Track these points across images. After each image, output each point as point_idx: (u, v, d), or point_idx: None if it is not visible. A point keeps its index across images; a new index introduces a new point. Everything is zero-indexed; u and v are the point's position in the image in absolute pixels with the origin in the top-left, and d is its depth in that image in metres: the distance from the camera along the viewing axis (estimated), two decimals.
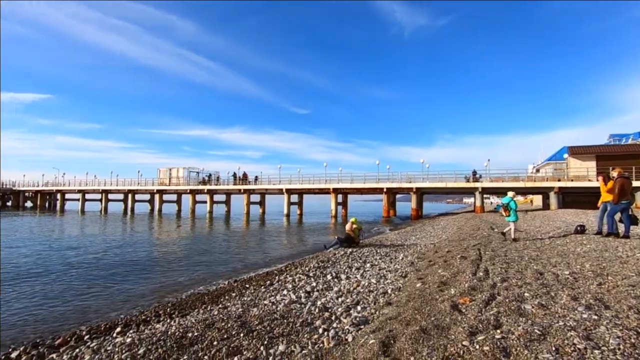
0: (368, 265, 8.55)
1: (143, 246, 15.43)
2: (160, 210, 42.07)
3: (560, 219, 16.59)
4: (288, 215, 34.97)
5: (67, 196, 50.35)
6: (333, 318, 4.52)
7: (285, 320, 4.49)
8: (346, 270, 8.03)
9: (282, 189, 36.49)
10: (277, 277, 7.92)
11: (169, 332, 4.18)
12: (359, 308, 4.92)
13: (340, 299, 5.51)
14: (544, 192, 28.71)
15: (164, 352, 3.62)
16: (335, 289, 6.26)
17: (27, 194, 53.50)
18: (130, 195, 44.69)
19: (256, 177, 39.60)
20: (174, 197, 46.35)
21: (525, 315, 3.48)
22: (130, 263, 11.08)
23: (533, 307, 3.66)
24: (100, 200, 46.48)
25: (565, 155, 32.11)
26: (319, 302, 5.34)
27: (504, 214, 9.67)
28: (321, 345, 3.67)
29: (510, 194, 9.84)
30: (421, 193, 32.39)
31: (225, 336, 4.00)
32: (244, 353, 3.54)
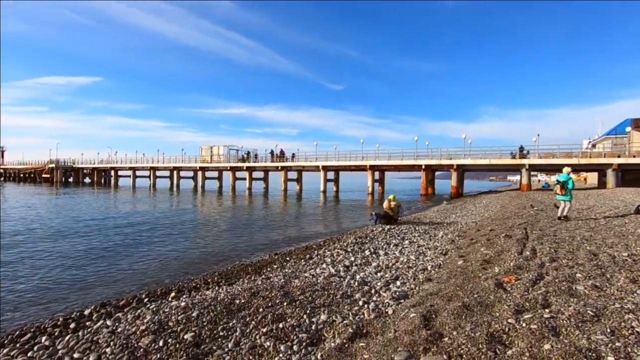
0: (406, 242, 8.51)
1: (189, 220, 16.39)
2: (203, 186, 44.15)
3: (619, 198, 15.33)
4: (324, 192, 35.31)
5: (119, 173, 54.14)
6: (372, 292, 4.60)
7: (325, 292, 4.64)
8: (384, 247, 8.06)
9: (318, 166, 36.72)
10: (315, 252, 8.12)
11: (218, 299, 4.49)
12: (398, 283, 4.96)
13: (379, 274, 5.57)
14: (601, 169, 26.52)
15: (214, 316, 3.91)
16: (374, 264, 6.33)
17: (85, 171, 58.15)
18: (175, 172, 47.17)
19: (293, 154, 40.08)
20: (215, 173, 48.25)
21: (576, 296, 3.33)
22: (178, 235, 11.85)
23: (586, 289, 3.49)
24: (149, 176, 49.54)
25: (628, 129, 29.21)
26: (357, 277, 5.44)
27: (558, 192, 9.03)
28: (362, 316, 3.77)
29: (566, 170, 9.15)
30: (462, 170, 31.20)
31: (270, 304, 4.22)
32: (288, 320, 3.73)
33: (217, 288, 5.49)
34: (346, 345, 3.05)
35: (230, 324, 3.70)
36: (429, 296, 3.93)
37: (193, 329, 3.58)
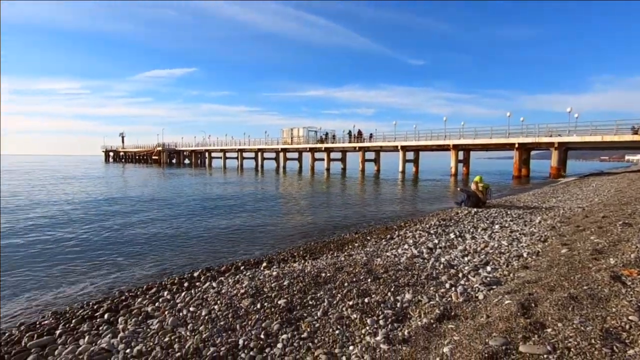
0: (496, 226, 7.90)
1: (272, 198, 17.53)
2: (284, 166, 46.52)
3: None
4: (403, 173, 34.34)
5: (212, 154, 59.93)
6: (460, 275, 4.43)
7: (409, 272, 4.61)
8: (471, 230, 7.61)
9: (397, 146, 35.72)
10: (396, 232, 8.05)
11: (306, 271, 4.79)
12: (488, 268, 4.68)
13: (466, 258, 5.32)
14: None
15: (303, 287, 4.19)
16: (460, 247, 6.04)
17: (184, 153, 65.67)
18: (259, 154, 50.48)
19: (371, 134, 39.57)
20: (295, 155, 50.32)
21: None
22: (265, 211, 12.78)
23: None
24: (237, 157, 53.89)
25: None
26: (442, 259, 5.27)
27: None
28: (449, 299, 3.68)
29: None
30: (565, 149, 27.36)
31: (354, 279, 4.36)
32: (373, 296, 3.82)
33: (303, 261, 5.84)
34: (434, 325, 3.03)
35: (318, 295, 3.93)
36: (526, 284, 3.64)
37: (285, 296, 3.90)
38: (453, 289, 3.96)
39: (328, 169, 40.80)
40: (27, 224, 10.24)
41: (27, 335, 3.58)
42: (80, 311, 4.19)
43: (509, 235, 6.86)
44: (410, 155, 37.63)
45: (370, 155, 41.75)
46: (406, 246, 6.40)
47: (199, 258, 6.93)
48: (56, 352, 3.14)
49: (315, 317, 3.42)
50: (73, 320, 3.87)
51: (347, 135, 40.67)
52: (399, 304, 3.60)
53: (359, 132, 40.09)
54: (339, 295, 3.89)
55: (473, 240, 6.58)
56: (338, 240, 7.91)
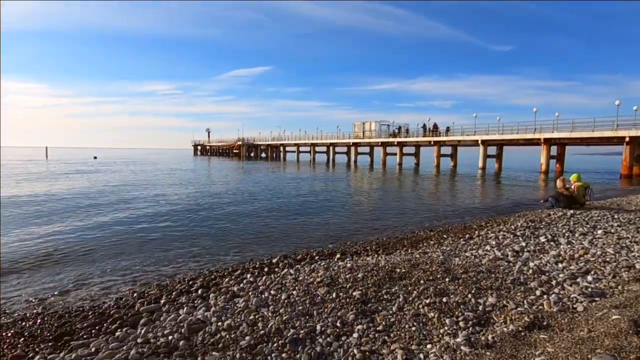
0: (599, 231, 6.92)
1: (344, 192, 17.70)
2: (355, 161, 46.50)
3: None
4: (483, 169, 31.85)
5: (287, 149, 62.53)
6: (553, 283, 4.01)
7: (492, 275, 4.31)
8: (566, 234, 6.79)
9: (477, 140, 33.20)
10: (476, 232, 7.55)
11: (380, 265, 4.78)
12: (589, 278, 4.14)
13: (560, 265, 4.78)
14: None
15: (377, 280, 4.20)
16: (552, 253, 5.44)
17: (261, 147, 69.62)
18: (331, 148, 51.19)
19: (448, 128, 37.39)
20: (367, 149, 49.96)
21: None
22: (336, 204, 12.98)
23: None
24: (309, 151, 55.41)
25: None
26: (531, 264, 4.82)
27: None
28: (540, 307, 3.36)
29: None
30: None
31: (430, 278, 4.23)
32: (451, 296, 3.66)
33: (376, 256, 5.82)
34: (522, 334, 2.80)
35: (393, 290, 3.90)
36: (639, 299, 3.15)
37: (360, 288, 3.95)
38: (545, 296, 3.60)
39: (400, 164, 39.69)
40: (136, 214, 11.93)
41: (138, 301, 4.21)
42: (178, 285, 4.77)
43: (616, 242, 5.96)
44: (492, 150, 34.69)
45: (447, 150, 39.49)
46: (488, 247, 5.98)
47: (275, 246, 7.35)
48: (161, 318, 3.63)
49: (391, 312, 3.41)
50: (173, 293, 4.43)
51: (421, 129, 39.02)
52: (480, 307, 3.40)
53: (435, 126, 38.16)
54: (415, 292, 3.81)
55: (569, 246, 5.87)
56: (412, 237, 7.70)
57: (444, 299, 3.59)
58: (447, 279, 4.15)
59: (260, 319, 3.37)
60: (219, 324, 3.30)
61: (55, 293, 4.78)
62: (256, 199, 14.57)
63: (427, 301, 3.56)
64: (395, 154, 41.32)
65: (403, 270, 4.51)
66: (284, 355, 2.75)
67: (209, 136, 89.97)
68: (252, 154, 70.62)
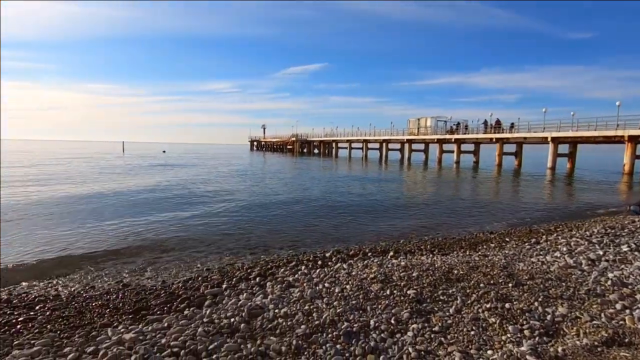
0: None
1: (398, 190, 17.34)
2: (409, 158, 45.20)
3: None
4: (553, 169, 29.11)
5: (339, 145, 62.68)
6: (638, 297, 3.58)
7: (562, 284, 3.98)
8: None
9: (546, 138, 30.38)
10: (543, 237, 6.98)
11: (435, 265, 4.64)
12: None
13: None
14: None
15: (433, 280, 4.08)
16: (637, 264, 4.85)
17: (314, 143, 70.55)
18: (384, 144, 50.29)
19: (512, 124, 34.71)
20: (421, 146, 48.30)
21: None
22: (389, 203, 12.77)
23: None
24: (362, 148, 54.97)
25: None
26: (610, 274, 4.34)
27: None
28: (621, 322, 3.04)
29: None
30: None
31: (491, 282, 4.02)
32: (515, 303, 3.45)
33: (431, 256, 5.66)
34: (598, 349, 2.56)
35: (450, 291, 3.78)
36: None
37: (414, 287, 3.88)
38: (627, 311, 3.24)
39: (458, 162, 37.76)
40: (200, 207, 12.83)
41: (203, 284, 4.55)
42: (237, 272, 5.06)
43: None
44: (563, 148, 31.56)
45: (510, 147, 36.72)
46: (558, 254, 5.50)
47: (328, 241, 7.46)
48: (224, 301, 3.90)
49: (447, 313, 3.31)
50: (233, 279, 4.72)
51: (482, 125, 36.70)
52: (549, 317, 3.16)
53: (497, 122, 35.65)
54: (474, 295, 3.65)
55: None
56: (470, 238, 7.34)
57: (507, 305, 3.39)
58: (510, 284, 3.91)
59: (314, 309, 3.47)
60: (276, 311, 3.45)
61: (134, 273, 5.35)
62: (308, 194, 14.87)
63: (488, 306, 3.39)
64: (453, 152, 39.38)
65: (461, 272, 4.33)
66: (338, 346, 2.81)
67: (264, 132, 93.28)
68: (305, 150, 71.90)
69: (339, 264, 5.16)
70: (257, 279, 4.65)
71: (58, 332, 3.25)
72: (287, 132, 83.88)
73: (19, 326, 3.39)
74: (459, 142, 39.04)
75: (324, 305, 3.55)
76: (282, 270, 5.00)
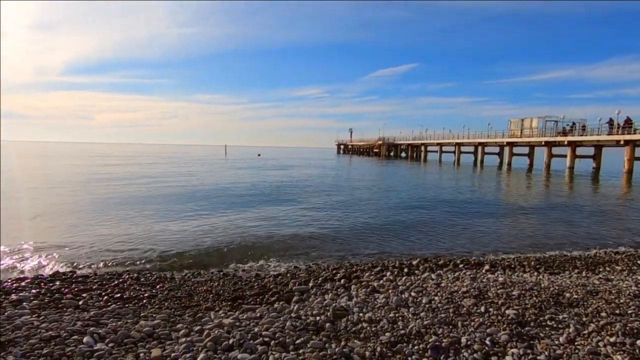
0: None
1: (495, 197, 15.78)
2: (509, 163, 40.74)
3: None
4: None
5: (428, 148, 59.83)
6: None
7: None
8: None
9: None
10: None
11: (542, 285, 4.10)
12: None
13: None
14: None
15: (539, 302, 3.61)
16: None
17: (401, 146, 68.65)
18: (480, 148, 46.27)
19: None
20: (525, 149, 43.09)
21: None
22: (486, 210, 11.68)
23: None
24: (454, 152, 51.49)
25: None
26: None
27: None
28: None
29: None
30: None
31: (617, 311, 3.38)
32: None
33: (536, 273, 5.01)
34: None
35: (560, 317, 3.29)
36: None
37: (515, 307, 3.48)
38: None
39: (571, 168, 32.67)
40: (289, 208, 13.58)
41: (291, 281, 4.80)
42: (323, 272, 5.21)
43: None
44: None
45: None
46: None
47: (415, 247, 7.19)
48: (310, 299, 4.05)
49: (556, 342, 2.88)
50: (319, 278, 4.87)
51: (607, 124, 31.06)
52: None
53: (627, 121, 29.79)
54: (593, 325, 3.11)
55: None
56: (587, 257, 6.29)
57: (638, 342, 2.81)
58: None
59: (400, 318, 3.37)
60: (360, 314, 3.45)
61: (231, 265, 5.93)
62: (397, 198, 14.51)
63: (612, 340, 2.86)
64: (565, 156, 34.19)
65: (575, 296, 3.74)
66: None
67: (351, 135, 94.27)
68: (391, 154, 70.43)
69: (427, 274, 4.92)
70: (342, 280, 4.72)
71: (172, 309, 3.77)
72: (373, 135, 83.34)
73: (144, 301, 4.04)
74: (573, 144, 33.79)
75: (410, 315, 3.42)
76: (366, 274, 4.98)
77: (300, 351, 2.79)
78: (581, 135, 33.79)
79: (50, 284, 4.51)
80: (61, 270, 5.42)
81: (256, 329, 3.15)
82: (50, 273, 5.19)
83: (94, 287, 4.48)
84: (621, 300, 3.63)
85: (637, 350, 2.72)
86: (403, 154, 67.72)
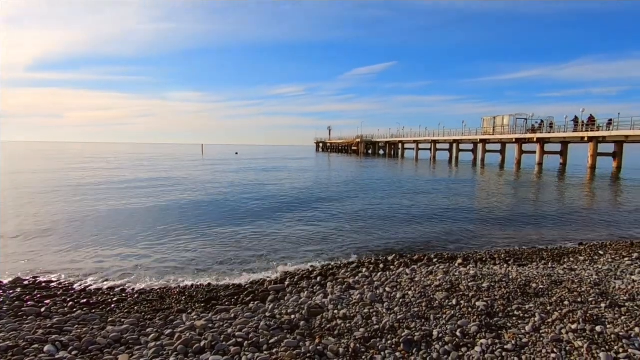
0: None
1: (470, 193, 16.22)
2: (482, 159, 42.04)
3: None
4: None
5: (405, 146, 60.84)
6: None
7: None
8: None
9: None
10: None
11: (510, 277, 4.24)
12: None
13: None
14: None
15: (507, 293, 3.73)
16: None
17: (380, 144, 69.47)
18: (454, 145, 47.49)
19: (610, 120, 30.24)
20: (497, 146, 44.60)
21: None
22: (458, 206, 12.00)
23: None
24: (430, 149, 52.62)
25: None
26: None
27: None
28: None
29: None
30: None
31: (578, 299, 3.54)
32: (608, 326, 2.99)
33: (505, 266, 5.18)
34: None
35: (527, 307, 3.41)
36: None
37: (484, 299, 3.58)
38: None
39: (540, 164, 34.08)
40: (271, 206, 13.44)
41: (267, 281, 4.75)
42: (299, 272, 5.19)
43: None
44: None
45: (607, 147, 32.07)
46: None
47: (391, 243, 7.27)
48: (286, 298, 4.02)
49: (523, 331, 2.99)
50: (295, 277, 4.85)
51: (572, 122, 32.56)
52: None
53: (590, 118, 31.35)
54: (557, 313, 3.25)
55: None
56: (554, 249, 6.57)
57: (598, 328, 2.95)
58: (602, 305, 3.40)
59: (374, 313, 3.40)
60: (335, 311, 3.46)
61: (207, 266, 5.80)
62: (374, 196, 14.66)
63: (573, 327, 2.99)
64: (534, 153, 35.63)
65: (541, 286, 3.89)
66: (397, 354, 2.71)
67: (329, 134, 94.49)
68: (370, 151, 71.16)
69: (401, 269, 4.99)
70: (318, 278, 4.72)
71: (142, 313, 3.65)
72: (351, 133, 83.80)
73: (112, 305, 3.89)
74: (542, 141, 35.25)
75: (384, 310, 3.46)
76: (342, 271, 5.00)
77: (274, 350, 2.77)
78: (549, 133, 35.28)
79: (10, 292, 4.27)
80: (22, 276, 5.15)
81: (229, 330, 3.09)
82: (10, 280, 4.92)
83: (59, 292, 4.28)
84: (583, 289, 3.81)
85: (596, 336, 2.85)
86: (381, 152, 68.49)
